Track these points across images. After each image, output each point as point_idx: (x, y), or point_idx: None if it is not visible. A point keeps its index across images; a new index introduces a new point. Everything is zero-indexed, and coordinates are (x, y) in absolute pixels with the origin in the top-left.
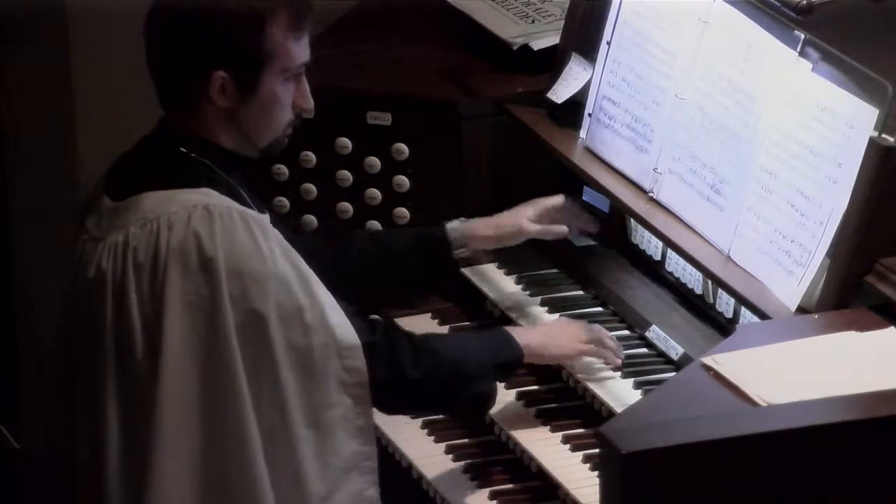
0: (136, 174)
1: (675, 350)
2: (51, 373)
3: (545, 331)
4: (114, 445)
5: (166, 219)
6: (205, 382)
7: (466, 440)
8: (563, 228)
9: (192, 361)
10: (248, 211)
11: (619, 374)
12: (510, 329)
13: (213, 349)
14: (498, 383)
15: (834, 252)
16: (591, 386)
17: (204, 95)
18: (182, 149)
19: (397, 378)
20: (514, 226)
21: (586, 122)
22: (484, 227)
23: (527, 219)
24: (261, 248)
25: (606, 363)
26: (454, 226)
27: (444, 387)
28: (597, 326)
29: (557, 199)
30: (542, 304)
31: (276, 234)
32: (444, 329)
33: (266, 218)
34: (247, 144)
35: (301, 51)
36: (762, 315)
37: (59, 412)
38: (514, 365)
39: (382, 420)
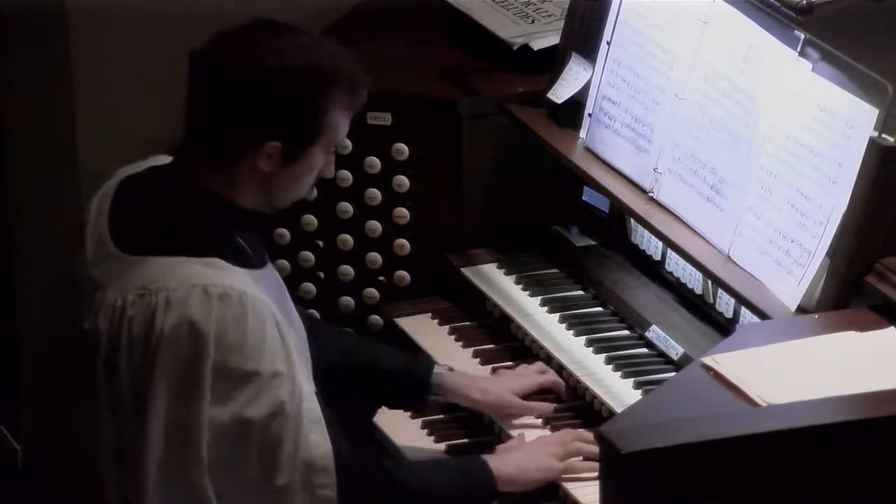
0: (143, 228)
1: (675, 350)
2: (49, 373)
3: (523, 456)
4: (111, 473)
5: (164, 296)
6: (178, 469)
7: (466, 440)
8: (548, 408)
9: (169, 439)
10: (248, 293)
11: (619, 373)
12: (487, 457)
13: (187, 439)
14: None
15: (834, 252)
16: (591, 386)
17: (247, 158)
18: (194, 204)
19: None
20: (499, 400)
21: (586, 122)
22: (469, 390)
23: (512, 393)
24: (252, 339)
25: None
26: (440, 372)
27: None
28: (572, 436)
29: (549, 378)
30: (543, 304)
31: (271, 317)
32: (444, 329)
33: (268, 269)
34: (265, 204)
35: (347, 127)
36: (762, 315)
37: (53, 415)
38: (484, 494)
39: (380, 419)
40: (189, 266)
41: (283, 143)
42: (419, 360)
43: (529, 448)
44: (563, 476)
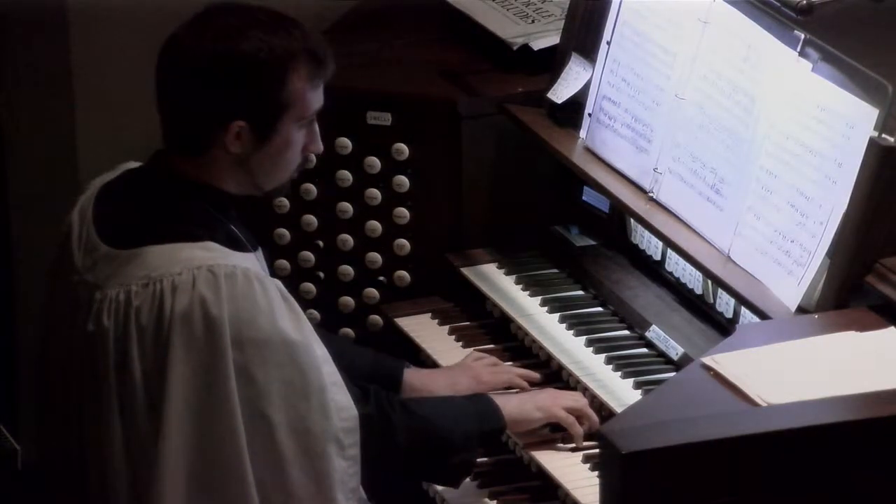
0: (134, 222)
1: (675, 350)
2: (49, 373)
3: (525, 396)
4: (122, 483)
5: (170, 281)
6: (206, 444)
7: None
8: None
9: (194, 426)
10: (251, 269)
11: (619, 373)
12: (494, 395)
13: (216, 415)
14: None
15: (834, 252)
16: (591, 386)
17: (218, 142)
18: (181, 194)
19: (391, 448)
20: (470, 387)
21: (586, 122)
22: (437, 388)
23: (481, 384)
24: (264, 312)
25: (569, 443)
26: (410, 373)
27: (430, 457)
28: (580, 399)
29: (521, 384)
30: (543, 304)
31: (276, 291)
32: (444, 329)
33: (259, 254)
34: (253, 188)
35: (317, 98)
36: (762, 315)
37: (53, 415)
38: (496, 434)
39: None
40: (188, 250)
41: (248, 122)
42: (388, 358)
43: (538, 392)
44: (564, 479)
